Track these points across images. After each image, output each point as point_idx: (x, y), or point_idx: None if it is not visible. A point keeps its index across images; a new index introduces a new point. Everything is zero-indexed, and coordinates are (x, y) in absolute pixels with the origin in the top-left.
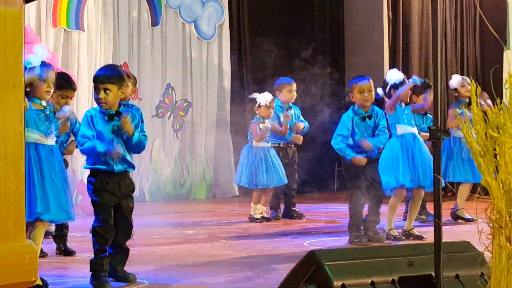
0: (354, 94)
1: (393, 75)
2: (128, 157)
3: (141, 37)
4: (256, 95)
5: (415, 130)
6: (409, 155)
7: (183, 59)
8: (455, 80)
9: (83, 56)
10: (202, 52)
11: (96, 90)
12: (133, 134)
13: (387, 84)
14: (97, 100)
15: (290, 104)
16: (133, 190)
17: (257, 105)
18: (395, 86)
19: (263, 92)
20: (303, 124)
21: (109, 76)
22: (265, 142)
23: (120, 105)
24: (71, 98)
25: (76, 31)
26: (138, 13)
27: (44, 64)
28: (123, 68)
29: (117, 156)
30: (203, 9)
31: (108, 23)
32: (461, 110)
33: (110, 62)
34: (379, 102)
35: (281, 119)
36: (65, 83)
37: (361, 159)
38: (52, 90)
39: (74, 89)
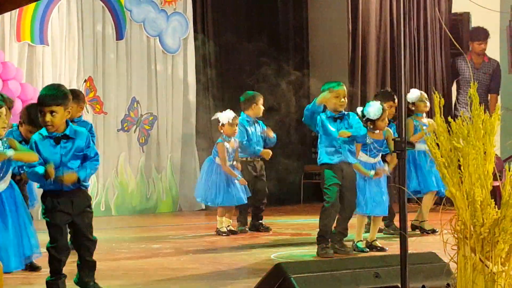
0: (329, 99)
1: (372, 110)
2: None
3: (105, 51)
4: (218, 114)
5: (376, 160)
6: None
7: (148, 73)
8: (414, 94)
9: (48, 70)
10: (167, 65)
11: (41, 113)
12: (79, 179)
13: (364, 115)
14: (43, 123)
15: (256, 118)
16: (89, 205)
17: (220, 124)
18: (371, 120)
19: (224, 110)
20: (272, 134)
21: (54, 97)
22: (228, 161)
23: (67, 124)
24: None
25: (41, 46)
26: (102, 27)
27: None
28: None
29: (70, 182)
30: (167, 23)
31: (72, 37)
32: (417, 123)
33: (75, 77)
34: None
35: (249, 132)
36: (36, 122)
37: (346, 132)
38: (5, 125)
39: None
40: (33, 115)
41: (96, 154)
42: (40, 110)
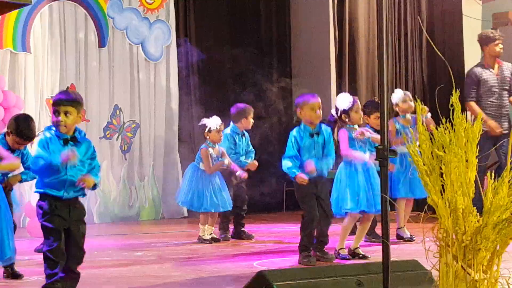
0: (304, 112)
1: (343, 100)
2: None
3: (88, 58)
4: (205, 120)
5: (366, 156)
6: (359, 180)
7: (130, 81)
8: (397, 95)
9: (30, 78)
10: (150, 73)
11: (56, 113)
12: (95, 184)
13: (338, 109)
14: (57, 123)
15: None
16: (84, 216)
17: (207, 130)
18: (345, 111)
19: (207, 118)
20: (255, 163)
21: (70, 100)
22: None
23: (75, 130)
24: (26, 145)
25: (23, 53)
26: (84, 34)
27: None
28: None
29: (90, 185)
30: (150, 31)
31: (55, 44)
32: (400, 125)
33: (57, 84)
34: (331, 124)
35: (237, 144)
36: (25, 134)
37: (303, 178)
38: None
39: (32, 140)
40: (22, 127)
41: (99, 166)
42: (54, 110)
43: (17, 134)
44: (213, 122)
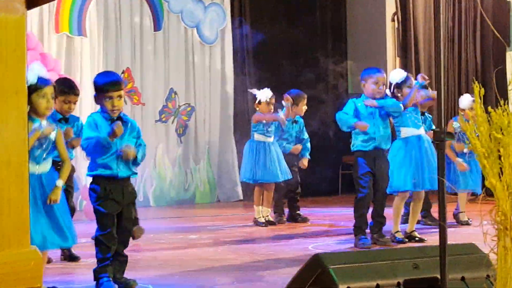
0: (368, 85)
1: (396, 75)
2: (133, 162)
3: (143, 42)
4: (255, 91)
5: (421, 131)
6: (412, 159)
7: (185, 64)
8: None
9: (86, 61)
10: (205, 56)
11: (110, 98)
12: (136, 158)
13: (391, 84)
14: (112, 108)
15: (297, 116)
16: (135, 198)
17: (257, 101)
18: (398, 86)
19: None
20: (307, 160)
21: (120, 82)
22: (267, 136)
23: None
24: (74, 103)
25: (79, 37)
26: (140, 18)
27: (40, 80)
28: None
29: (129, 156)
30: (205, 14)
31: (110, 28)
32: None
33: (113, 68)
34: None
35: (285, 130)
36: (67, 88)
37: (363, 124)
38: (52, 106)
39: (76, 94)
40: (62, 83)
41: (145, 145)
42: (107, 96)
43: (60, 93)
44: (263, 94)
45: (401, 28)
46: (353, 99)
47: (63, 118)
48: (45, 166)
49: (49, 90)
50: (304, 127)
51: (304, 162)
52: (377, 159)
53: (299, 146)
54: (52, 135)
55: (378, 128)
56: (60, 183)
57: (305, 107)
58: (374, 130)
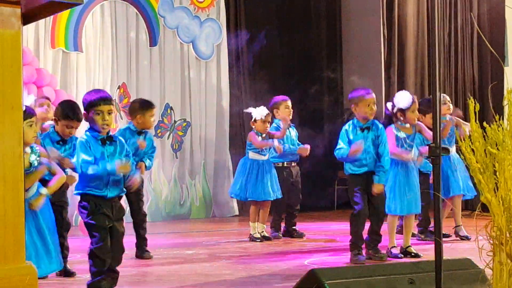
0: (360, 107)
1: (402, 100)
2: (122, 182)
3: (139, 57)
4: (251, 109)
5: (411, 155)
6: (400, 183)
7: (181, 79)
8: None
9: (82, 77)
10: (201, 71)
11: (100, 113)
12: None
13: (394, 106)
14: (102, 123)
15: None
16: (124, 215)
17: (253, 119)
18: (402, 110)
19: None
20: (308, 148)
21: (110, 99)
22: (261, 155)
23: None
24: (75, 128)
25: (75, 52)
26: (136, 33)
27: (28, 109)
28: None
29: (127, 168)
30: (200, 29)
31: (106, 44)
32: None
33: (109, 83)
34: (387, 117)
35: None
36: (71, 113)
37: (356, 147)
38: (36, 134)
39: (79, 120)
40: (67, 108)
41: (134, 163)
42: (98, 111)
43: (63, 117)
44: (259, 112)
45: (387, 47)
46: (345, 128)
47: (62, 140)
48: (32, 192)
49: (35, 119)
50: (297, 136)
51: (304, 151)
52: (370, 179)
53: (307, 147)
54: (43, 191)
55: (370, 154)
56: (44, 191)
57: (289, 110)
58: (366, 156)
